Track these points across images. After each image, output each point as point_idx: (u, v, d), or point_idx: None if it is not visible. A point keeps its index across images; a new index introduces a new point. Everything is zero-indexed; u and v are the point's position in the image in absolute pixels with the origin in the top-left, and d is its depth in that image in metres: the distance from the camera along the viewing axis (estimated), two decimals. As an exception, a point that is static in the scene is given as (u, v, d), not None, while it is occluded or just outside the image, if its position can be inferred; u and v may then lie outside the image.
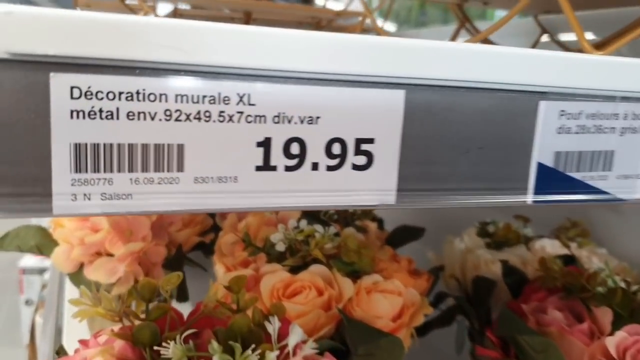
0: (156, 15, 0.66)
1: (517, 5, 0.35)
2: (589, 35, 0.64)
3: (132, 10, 0.66)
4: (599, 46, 0.29)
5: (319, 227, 0.46)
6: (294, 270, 0.45)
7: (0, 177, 0.18)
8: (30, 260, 1.99)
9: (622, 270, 0.49)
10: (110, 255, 0.54)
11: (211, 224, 0.63)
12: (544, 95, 0.24)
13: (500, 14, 0.84)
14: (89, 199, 0.19)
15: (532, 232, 0.55)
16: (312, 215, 0.53)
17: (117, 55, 0.18)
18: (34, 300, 1.89)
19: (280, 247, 0.46)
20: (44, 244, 0.56)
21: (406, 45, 0.22)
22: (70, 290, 0.70)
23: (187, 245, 0.60)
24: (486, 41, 0.42)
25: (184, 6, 0.72)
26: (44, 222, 0.66)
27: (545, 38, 0.62)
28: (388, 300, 0.43)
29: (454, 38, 0.57)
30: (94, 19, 0.18)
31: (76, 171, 0.19)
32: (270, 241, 0.47)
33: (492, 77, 0.23)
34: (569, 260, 0.46)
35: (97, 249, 0.54)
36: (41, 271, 1.92)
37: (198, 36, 0.19)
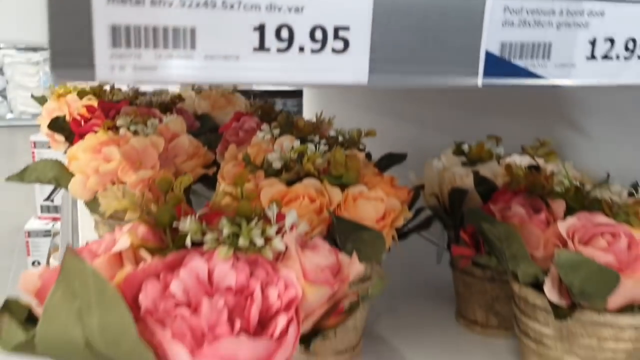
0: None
1: None
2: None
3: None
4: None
5: (310, 146, 0.52)
6: (289, 184, 0.50)
7: (57, 50, 0.23)
8: (34, 223, 2.05)
9: (581, 178, 0.54)
10: (122, 183, 0.60)
11: (212, 159, 0.69)
12: (490, -8, 0.29)
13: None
14: (124, 69, 0.24)
15: (504, 151, 0.61)
16: (305, 142, 0.58)
17: (142, -49, 0.23)
18: (41, 262, 1.96)
19: (277, 164, 0.51)
20: (61, 175, 0.61)
21: (373, -52, 0.27)
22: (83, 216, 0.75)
23: (192, 176, 0.65)
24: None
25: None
26: (60, 156, 0.71)
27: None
28: (372, 205, 0.48)
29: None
30: None
31: (113, 47, 0.24)
32: (267, 160, 0.52)
33: (445, -24, 0.28)
34: (535, 170, 0.51)
35: (110, 178, 0.60)
36: (46, 233, 1.99)
37: (205, -64, 0.24)
